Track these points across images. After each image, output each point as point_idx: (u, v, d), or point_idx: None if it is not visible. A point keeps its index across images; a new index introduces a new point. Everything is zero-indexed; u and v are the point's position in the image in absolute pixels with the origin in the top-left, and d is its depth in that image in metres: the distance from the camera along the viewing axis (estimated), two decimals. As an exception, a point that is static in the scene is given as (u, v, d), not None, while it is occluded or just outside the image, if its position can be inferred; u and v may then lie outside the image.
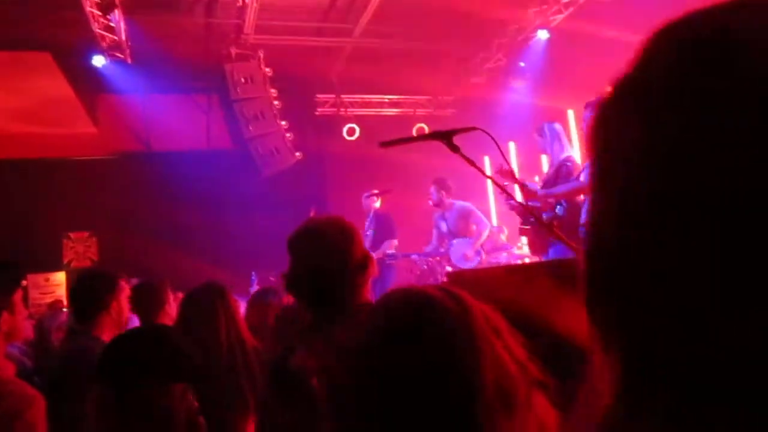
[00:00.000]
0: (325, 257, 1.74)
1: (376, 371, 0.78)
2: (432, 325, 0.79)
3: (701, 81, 0.40)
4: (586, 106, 4.33)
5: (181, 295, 3.25)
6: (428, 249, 6.71)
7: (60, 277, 8.83)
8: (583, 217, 4.25)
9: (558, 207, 4.44)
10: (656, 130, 0.42)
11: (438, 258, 6.56)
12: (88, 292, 2.56)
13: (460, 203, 6.62)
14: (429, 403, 0.74)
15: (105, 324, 2.52)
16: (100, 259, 8.99)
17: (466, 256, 6.25)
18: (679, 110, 0.41)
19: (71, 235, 9.03)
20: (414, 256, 6.84)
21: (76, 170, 8.92)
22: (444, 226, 6.46)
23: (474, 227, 6.38)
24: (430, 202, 6.50)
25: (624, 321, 0.44)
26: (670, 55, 0.44)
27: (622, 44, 6.84)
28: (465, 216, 6.42)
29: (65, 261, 8.95)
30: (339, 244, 1.77)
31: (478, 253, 6.29)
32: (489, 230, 6.44)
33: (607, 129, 0.47)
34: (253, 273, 6.46)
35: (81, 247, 9.05)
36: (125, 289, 2.75)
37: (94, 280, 2.63)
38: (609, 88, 0.48)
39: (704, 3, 0.44)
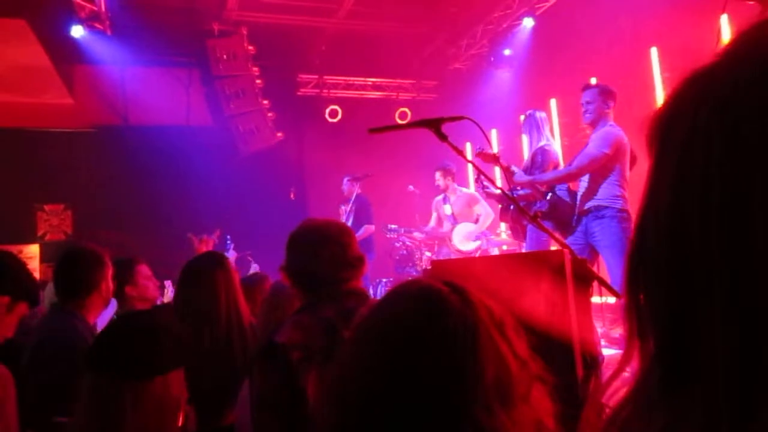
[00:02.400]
0: (324, 254, 1.85)
1: (378, 361, 0.79)
2: (436, 319, 0.80)
3: None
4: (584, 87, 4.34)
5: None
6: (427, 228, 6.91)
7: (33, 249, 8.69)
8: (579, 206, 4.25)
9: (539, 202, 4.47)
10: (737, 147, 0.41)
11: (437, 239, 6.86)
12: (76, 270, 2.48)
13: (464, 190, 6.87)
14: (428, 395, 0.75)
15: (93, 304, 2.46)
16: (75, 233, 8.86)
17: (467, 238, 6.45)
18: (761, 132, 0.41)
19: (46, 207, 8.88)
20: (416, 233, 7.06)
21: (52, 141, 8.75)
22: (448, 210, 6.63)
23: (477, 214, 6.55)
24: (440, 185, 6.66)
25: (672, 311, 0.44)
26: (759, 69, 0.43)
27: (603, 35, 6.89)
28: (470, 202, 6.62)
29: (39, 233, 8.81)
30: (337, 243, 1.88)
31: (478, 237, 6.47)
32: (491, 218, 6.56)
33: (680, 130, 0.46)
34: (228, 237, 6.37)
35: (55, 220, 8.91)
36: (110, 267, 2.69)
37: (83, 257, 2.53)
38: (684, 84, 0.47)
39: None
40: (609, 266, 3.96)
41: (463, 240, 6.47)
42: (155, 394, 1.26)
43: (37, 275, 8.21)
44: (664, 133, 0.49)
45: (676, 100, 0.48)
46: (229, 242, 6.40)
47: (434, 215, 6.87)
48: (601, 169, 4.10)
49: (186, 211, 8.39)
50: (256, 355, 1.82)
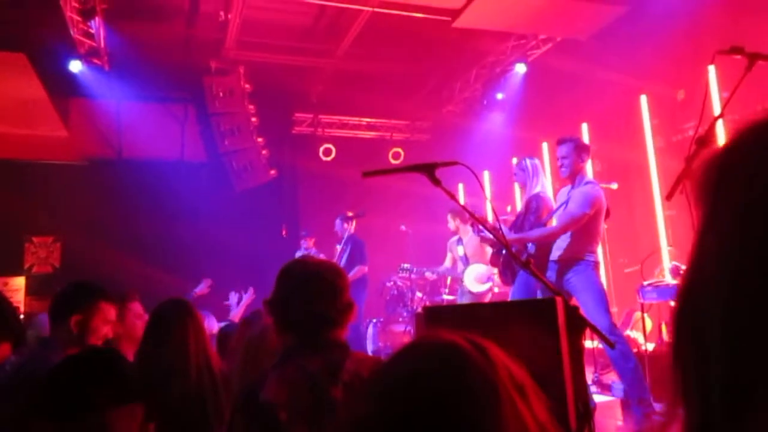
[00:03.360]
0: (320, 284, 1.81)
1: (393, 417, 0.75)
2: (457, 378, 0.76)
3: None
4: (559, 141, 4.46)
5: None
6: (441, 269, 6.98)
7: (19, 281, 8.59)
8: (554, 254, 4.38)
9: (529, 244, 4.58)
10: None
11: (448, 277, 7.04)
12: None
13: None
14: None
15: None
16: (62, 266, 8.78)
17: (478, 279, 6.50)
18: None
19: (34, 239, 8.81)
20: (427, 273, 7.14)
21: (44, 173, 8.73)
22: (461, 251, 6.69)
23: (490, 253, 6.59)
24: (451, 227, 6.81)
25: (721, 376, 0.42)
26: None
27: (594, 81, 7.03)
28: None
29: (26, 266, 8.72)
30: (330, 287, 1.83)
31: (490, 278, 6.51)
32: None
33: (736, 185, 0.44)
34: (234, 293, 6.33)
35: (43, 252, 8.83)
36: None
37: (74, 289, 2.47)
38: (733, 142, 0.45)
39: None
40: (586, 309, 4.02)
41: (474, 281, 6.51)
42: None
43: (21, 308, 8.09)
44: (719, 187, 0.45)
45: (735, 151, 0.45)
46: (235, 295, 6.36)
47: (449, 256, 6.95)
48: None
49: (177, 246, 8.36)
50: (238, 410, 1.73)
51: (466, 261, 6.64)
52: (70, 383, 1.30)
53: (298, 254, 7.27)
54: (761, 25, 4.87)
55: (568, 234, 4.33)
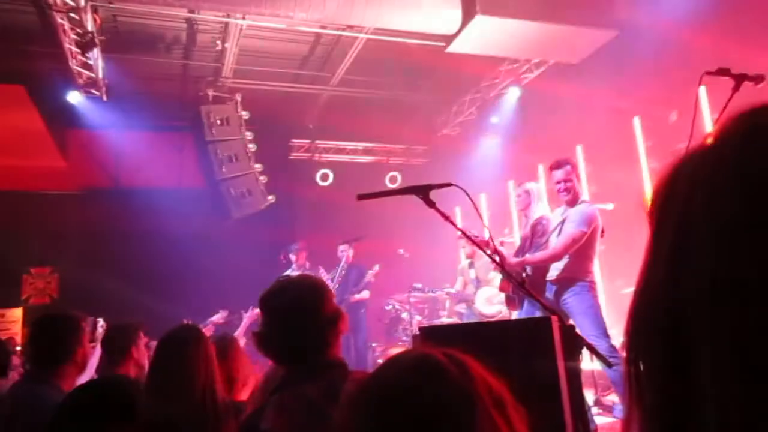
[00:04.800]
0: (297, 315, 1.76)
1: (371, 429, 0.75)
2: (429, 390, 0.76)
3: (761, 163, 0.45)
4: (556, 166, 4.48)
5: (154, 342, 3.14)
6: (452, 291, 7.15)
7: (17, 313, 8.55)
8: (551, 274, 4.40)
9: (528, 267, 4.60)
10: (720, 205, 0.45)
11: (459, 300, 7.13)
12: (52, 339, 2.40)
13: None
14: None
15: (68, 372, 2.39)
16: (60, 297, 8.75)
17: (489, 301, 6.62)
18: (740, 190, 0.45)
19: (32, 270, 8.79)
20: (439, 293, 7.30)
21: (42, 204, 8.76)
22: (473, 274, 6.85)
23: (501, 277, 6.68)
24: (467, 252, 7.03)
25: (666, 377, 0.47)
26: (743, 138, 0.47)
27: (588, 104, 7.11)
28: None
29: (23, 297, 8.69)
30: (310, 301, 1.78)
31: (501, 302, 6.53)
32: None
33: (673, 200, 0.50)
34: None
35: (41, 283, 8.81)
36: (87, 331, 2.62)
37: (58, 324, 2.46)
38: (678, 160, 0.51)
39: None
40: (583, 332, 4.02)
41: (485, 303, 6.64)
42: None
43: (18, 339, 8.04)
44: (659, 212, 0.52)
45: (669, 181, 0.52)
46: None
47: (459, 279, 7.09)
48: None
49: (176, 275, 8.33)
50: None
51: (478, 283, 6.76)
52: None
53: (290, 273, 7.27)
54: (749, 48, 4.95)
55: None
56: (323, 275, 7.10)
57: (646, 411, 0.48)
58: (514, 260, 4.52)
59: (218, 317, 6.34)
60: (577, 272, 4.29)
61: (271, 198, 9.04)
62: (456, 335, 2.20)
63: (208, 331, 5.71)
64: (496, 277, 6.65)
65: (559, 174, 4.43)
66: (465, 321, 6.86)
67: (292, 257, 7.61)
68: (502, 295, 6.54)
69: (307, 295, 1.80)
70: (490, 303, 6.60)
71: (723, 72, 2.80)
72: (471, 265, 6.90)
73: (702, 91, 5.31)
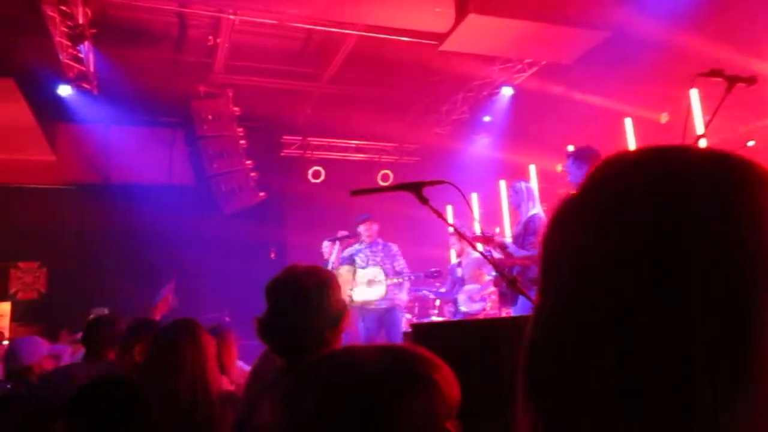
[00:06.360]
0: (298, 311, 1.73)
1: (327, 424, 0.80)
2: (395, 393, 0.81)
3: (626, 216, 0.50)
4: (570, 156, 4.47)
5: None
6: (443, 291, 7.11)
7: (5, 307, 8.48)
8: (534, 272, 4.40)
9: (515, 267, 4.63)
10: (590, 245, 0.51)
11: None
12: None
13: (476, 254, 6.89)
14: None
15: None
16: (48, 292, 8.69)
17: (471, 299, 6.57)
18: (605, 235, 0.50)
19: (20, 264, 8.72)
20: (425, 292, 7.34)
21: (31, 198, 8.68)
22: (459, 272, 6.77)
23: (486, 277, 6.65)
24: (456, 249, 6.99)
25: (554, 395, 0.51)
26: (613, 189, 0.54)
27: (580, 105, 7.13)
28: (480, 266, 6.69)
29: (11, 291, 8.62)
30: (315, 296, 1.76)
31: (483, 299, 6.57)
32: None
33: (558, 235, 0.56)
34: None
35: (29, 278, 8.74)
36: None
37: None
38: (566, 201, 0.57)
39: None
40: None
41: (467, 301, 6.56)
42: None
43: (6, 333, 7.98)
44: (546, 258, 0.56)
45: (550, 229, 0.57)
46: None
47: (449, 278, 7.02)
48: None
49: (165, 270, 8.28)
50: None
51: (462, 282, 6.70)
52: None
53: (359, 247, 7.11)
54: (741, 50, 4.99)
55: None
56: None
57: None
58: (520, 254, 4.52)
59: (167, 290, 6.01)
60: None
61: (262, 194, 9.02)
62: (446, 333, 2.20)
63: (164, 303, 5.48)
64: (484, 275, 6.66)
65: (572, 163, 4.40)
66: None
67: (363, 229, 7.13)
68: (485, 292, 6.59)
69: (312, 289, 1.77)
70: (473, 300, 6.56)
71: (715, 73, 2.81)
72: (459, 265, 6.87)
73: (694, 92, 5.35)
